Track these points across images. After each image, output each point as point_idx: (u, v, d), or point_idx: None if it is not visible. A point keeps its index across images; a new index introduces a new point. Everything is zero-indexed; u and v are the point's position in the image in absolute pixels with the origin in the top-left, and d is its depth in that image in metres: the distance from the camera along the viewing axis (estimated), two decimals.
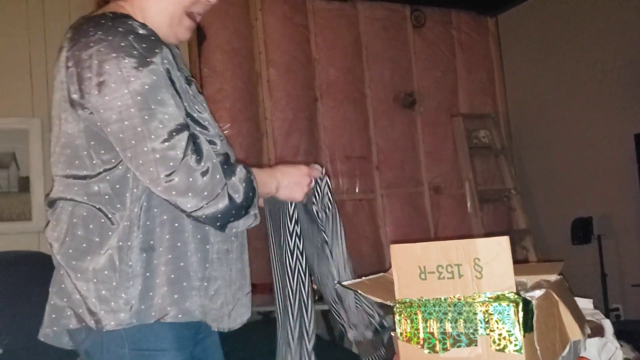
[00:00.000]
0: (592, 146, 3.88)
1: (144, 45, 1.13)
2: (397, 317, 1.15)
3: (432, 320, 1.12)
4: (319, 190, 1.41)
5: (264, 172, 1.31)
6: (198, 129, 1.22)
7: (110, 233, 1.16)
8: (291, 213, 1.40)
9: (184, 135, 1.11)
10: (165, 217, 1.17)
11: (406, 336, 1.14)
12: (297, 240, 1.40)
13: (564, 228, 3.82)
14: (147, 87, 1.10)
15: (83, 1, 3.15)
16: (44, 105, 3.01)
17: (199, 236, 1.21)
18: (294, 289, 1.39)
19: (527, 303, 1.07)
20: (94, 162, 1.18)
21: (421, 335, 1.13)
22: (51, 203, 1.26)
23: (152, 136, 1.09)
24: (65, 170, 1.21)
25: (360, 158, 3.91)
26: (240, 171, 1.19)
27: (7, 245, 2.78)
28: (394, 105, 4.09)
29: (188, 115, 1.20)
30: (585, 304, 1.72)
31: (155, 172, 1.09)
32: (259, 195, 1.24)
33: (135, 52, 1.11)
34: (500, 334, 1.07)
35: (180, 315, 1.17)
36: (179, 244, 1.18)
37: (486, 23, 4.52)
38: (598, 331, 1.80)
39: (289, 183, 1.34)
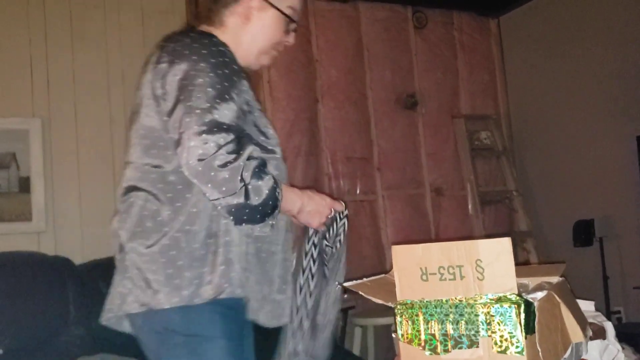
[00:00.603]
0: (594, 148, 3.87)
1: (221, 59, 1.28)
2: (398, 319, 1.14)
3: (433, 322, 1.12)
4: (335, 226, 1.47)
5: (293, 191, 1.37)
6: (262, 138, 1.37)
7: (180, 218, 1.28)
8: (309, 235, 1.46)
9: (227, 135, 1.20)
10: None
11: (407, 337, 1.13)
12: (310, 261, 1.47)
13: (565, 230, 3.81)
14: (217, 87, 1.24)
15: (84, 1, 3.17)
16: (45, 105, 3.01)
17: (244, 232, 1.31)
18: (299, 304, 1.45)
19: (528, 305, 1.07)
20: (169, 153, 1.29)
21: (422, 337, 1.12)
22: (125, 192, 1.36)
23: (195, 126, 1.20)
24: (143, 158, 1.33)
25: (362, 159, 3.90)
26: (269, 180, 1.25)
27: (7, 246, 2.78)
28: (396, 107, 4.09)
29: (258, 131, 1.36)
30: (587, 306, 1.71)
31: (187, 157, 1.19)
32: (281, 210, 1.31)
33: (213, 60, 1.27)
34: (501, 336, 1.06)
35: (239, 291, 1.29)
36: (233, 233, 1.30)
37: (488, 24, 4.51)
38: (600, 333, 1.79)
39: (311, 209, 1.39)
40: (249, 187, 1.21)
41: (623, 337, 1.95)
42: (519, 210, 4.25)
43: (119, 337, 2.45)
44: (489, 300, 1.08)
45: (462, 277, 1.11)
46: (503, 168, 4.35)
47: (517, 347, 1.05)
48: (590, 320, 1.53)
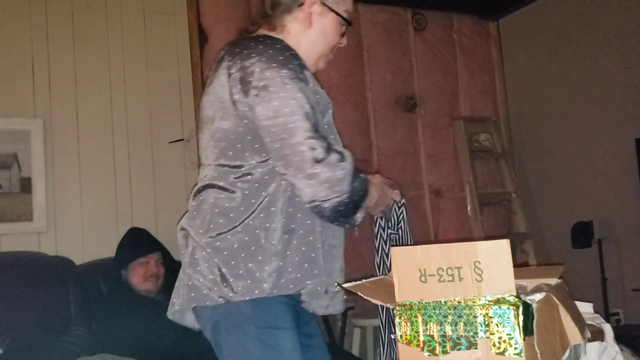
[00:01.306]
0: (593, 150, 3.87)
1: (296, 62, 1.37)
2: (397, 320, 1.15)
3: (432, 323, 1.12)
4: (395, 215, 1.61)
5: (373, 185, 1.47)
6: (331, 136, 1.45)
7: (257, 215, 1.35)
8: (375, 220, 1.62)
9: (324, 140, 1.32)
10: (306, 206, 1.36)
11: (406, 339, 1.14)
12: (382, 242, 1.63)
13: (564, 232, 3.81)
14: (299, 94, 1.32)
15: (87, 1, 3.18)
16: (46, 106, 3.02)
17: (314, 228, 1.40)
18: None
19: (527, 306, 1.08)
20: (246, 154, 1.37)
21: (421, 338, 1.13)
22: (198, 191, 1.44)
23: (301, 132, 1.30)
24: (219, 159, 1.40)
25: (361, 161, 3.91)
26: (364, 180, 1.38)
27: (8, 246, 2.79)
28: (395, 109, 4.10)
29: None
30: (585, 308, 1.72)
31: (301, 161, 1.29)
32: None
33: (290, 66, 1.34)
34: (500, 337, 1.07)
35: (307, 282, 1.37)
36: (318, 229, 1.39)
37: (487, 27, 4.52)
38: (598, 335, 1.80)
39: (377, 200, 1.48)
40: (355, 186, 1.34)
41: (622, 339, 1.96)
42: (517, 212, 4.25)
43: (119, 337, 2.47)
44: (487, 302, 1.09)
45: (460, 279, 1.12)
46: (502, 170, 4.36)
47: (515, 348, 1.06)
48: (588, 322, 1.54)
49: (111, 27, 3.21)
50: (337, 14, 1.51)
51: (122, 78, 3.22)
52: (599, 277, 3.64)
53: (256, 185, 1.36)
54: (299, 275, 1.37)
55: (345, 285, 1.31)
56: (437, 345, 1.12)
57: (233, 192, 1.37)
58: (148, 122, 3.26)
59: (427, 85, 4.21)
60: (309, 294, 1.41)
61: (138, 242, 2.76)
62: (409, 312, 1.15)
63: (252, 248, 1.34)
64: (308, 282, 1.38)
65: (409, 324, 1.14)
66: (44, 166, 2.94)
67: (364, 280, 1.37)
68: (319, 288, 1.40)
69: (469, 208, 4.17)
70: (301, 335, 1.42)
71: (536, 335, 1.08)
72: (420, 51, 4.23)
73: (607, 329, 1.87)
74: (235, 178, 1.37)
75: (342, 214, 1.34)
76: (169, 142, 3.29)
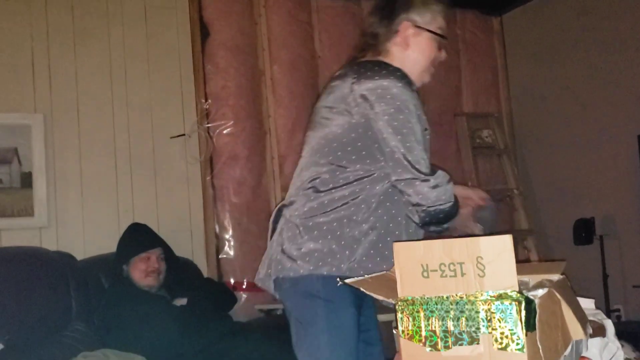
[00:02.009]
0: (596, 146, 3.86)
1: (411, 87, 1.60)
2: (399, 315, 1.15)
3: (434, 318, 1.12)
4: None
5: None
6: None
7: (347, 207, 1.56)
8: None
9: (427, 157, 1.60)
10: (393, 212, 1.59)
11: (408, 334, 1.14)
12: None
13: (566, 228, 3.81)
14: (414, 118, 1.57)
15: None
16: (47, 101, 3.01)
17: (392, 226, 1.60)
18: None
19: (529, 302, 1.07)
20: (353, 157, 1.58)
21: (423, 333, 1.12)
22: (306, 182, 1.64)
23: (418, 148, 1.56)
24: (328, 158, 1.61)
25: None
26: (456, 199, 1.60)
27: (8, 241, 2.79)
28: None
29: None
30: (587, 304, 1.72)
31: (418, 170, 1.54)
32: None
33: (408, 91, 1.57)
34: (502, 333, 1.06)
35: (370, 266, 1.53)
36: (397, 233, 1.59)
37: (491, 22, 4.50)
38: (599, 331, 1.80)
39: (464, 222, 1.67)
40: (454, 201, 1.57)
41: (622, 335, 1.95)
42: (519, 209, 4.24)
43: (121, 333, 2.47)
44: (489, 297, 1.08)
45: (463, 274, 1.11)
46: (504, 166, 4.35)
47: (517, 344, 1.05)
48: (590, 318, 1.54)
49: (112, 21, 3.21)
50: (430, 31, 1.70)
51: (122, 73, 3.22)
52: (600, 273, 3.63)
53: (354, 183, 1.57)
54: (370, 265, 1.54)
55: (347, 281, 1.31)
56: (439, 340, 1.11)
57: (333, 186, 1.58)
58: (149, 117, 3.26)
59: (430, 81, 4.19)
60: None
61: (139, 237, 2.76)
62: (411, 307, 1.14)
63: (338, 233, 1.54)
64: (370, 265, 1.54)
65: (410, 319, 1.14)
66: (44, 161, 2.94)
67: (366, 276, 1.36)
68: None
69: None
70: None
71: (538, 330, 1.07)
72: None
73: (609, 325, 1.87)
74: (338, 176, 1.59)
75: (439, 220, 1.57)
76: (171, 138, 3.29)
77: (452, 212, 1.59)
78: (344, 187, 1.58)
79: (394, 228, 1.59)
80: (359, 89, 1.57)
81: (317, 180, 1.61)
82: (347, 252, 1.55)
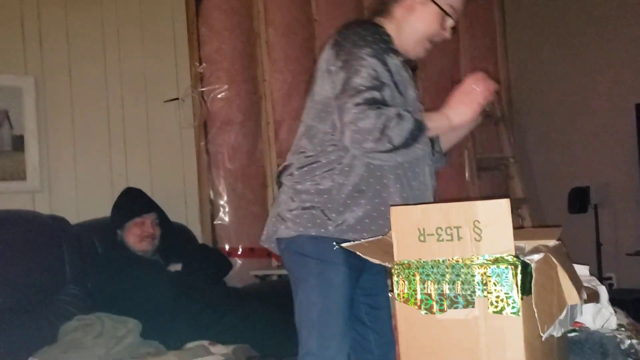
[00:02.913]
0: (593, 115, 3.85)
1: (384, 45, 1.56)
2: (395, 279, 1.15)
3: (429, 282, 1.12)
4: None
5: (434, 113, 1.63)
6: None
7: (334, 171, 1.57)
8: None
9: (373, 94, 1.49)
10: (378, 173, 1.56)
11: (403, 297, 1.14)
12: None
13: (561, 197, 3.82)
14: (371, 71, 1.51)
15: None
16: (37, 62, 2.96)
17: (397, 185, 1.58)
18: None
19: (525, 266, 1.07)
20: (333, 117, 1.56)
21: (418, 297, 1.12)
22: (296, 144, 1.68)
23: (352, 92, 1.49)
24: (313, 120, 1.63)
25: None
26: (408, 119, 1.50)
27: (1, 205, 2.77)
28: None
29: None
30: (581, 271, 1.72)
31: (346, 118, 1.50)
32: (433, 130, 1.57)
33: (375, 46, 1.54)
34: (497, 296, 1.06)
35: (365, 234, 1.52)
36: (383, 195, 1.56)
37: None
38: (593, 297, 1.81)
39: (459, 109, 1.61)
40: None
41: (614, 302, 1.97)
42: (515, 177, 4.24)
43: (115, 297, 2.47)
44: (485, 261, 1.08)
45: (459, 238, 1.11)
46: (500, 135, 4.33)
47: (513, 307, 1.05)
48: (584, 284, 1.54)
49: None
50: (438, 5, 1.67)
51: (115, 35, 3.16)
52: (594, 242, 3.66)
53: (339, 144, 1.56)
54: (358, 227, 1.54)
55: (344, 245, 1.31)
56: (434, 303, 1.11)
57: (319, 150, 1.59)
58: (142, 80, 3.21)
59: (425, 55, 4.14)
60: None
61: (134, 202, 2.75)
62: (407, 270, 1.14)
63: (325, 197, 1.56)
64: (365, 234, 1.53)
65: (406, 282, 1.14)
66: (36, 124, 2.89)
67: (362, 240, 1.36)
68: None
69: (466, 173, 4.16)
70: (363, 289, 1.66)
71: (534, 294, 1.07)
72: None
73: (602, 291, 1.88)
74: (322, 137, 1.60)
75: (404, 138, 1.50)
76: (164, 102, 3.25)
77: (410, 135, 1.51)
78: (331, 151, 1.59)
79: (381, 190, 1.58)
80: (332, 47, 1.59)
81: (306, 144, 1.64)
82: (333, 214, 1.56)
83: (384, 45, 1.57)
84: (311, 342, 1.57)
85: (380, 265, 1.59)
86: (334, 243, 1.50)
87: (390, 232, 1.22)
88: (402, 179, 1.60)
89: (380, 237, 1.37)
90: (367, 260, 1.58)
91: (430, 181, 1.70)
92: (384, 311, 1.72)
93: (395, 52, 1.61)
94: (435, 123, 1.58)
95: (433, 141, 1.77)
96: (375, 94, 1.50)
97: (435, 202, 1.68)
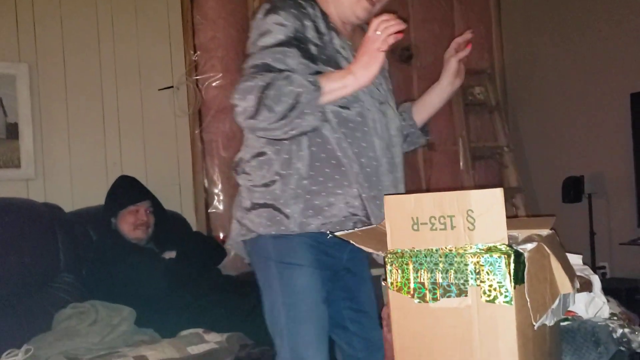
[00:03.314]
0: (588, 104, 3.85)
1: (295, 10, 1.44)
2: (388, 267, 1.15)
3: (423, 271, 1.12)
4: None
5: (337, 71, 1.43)
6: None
7: (277, 162, 1.45)
8: None
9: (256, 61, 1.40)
10: (323, 155, 1.44)
11: (397, 286, 1.14)
12: None
13: (555, 186, 3.83)
14: (271, 27, 1.42)
15: None
16: (32, 50, 2.94)
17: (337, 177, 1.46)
18: None
19: (518, 255, 1.07)
20: None
21: (412, 285, 1.13)
22: (244, 138, 1.58)
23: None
24: None
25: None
26: (293, 81, 1.33)
27: None
28: (391, 59, 4.00)
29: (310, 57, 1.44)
30: (574, 260, 1.73)
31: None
32: (332, 91, 1.37)
33: (283, 12, 1.43)
34: (490, 285, 1.07)
35: (323, 227, 1.44)
36: (336, 177, 1.45)
37: None
38: (586, 286, 1.82)
39: (362, 61, 1.37)
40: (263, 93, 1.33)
41: (607, 292, 1.98)
42: (509, 166, 4.25)
43: (109, 285, 2.47)
44: (479, 250, 1.08)
45: (453, 227, 1.11)
46: (495, 123, 4.33)
47: (505, 296, 1.06)
48: (577, 273, 1.55)
49: None
50: None
51: (110, 23, 3.14)
52: (587, 231, 3.67)
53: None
54: (319, 217, 1.44)
55: (337, 233, 1.31)
56: (427, 292, 1.11)
57: (266, 140, 1.47)
58: (137, 68, 3.20)
59: (424, 35, 4.13)
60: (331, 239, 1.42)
61: (128, 190, 2.74)
62: (400, 259, 1.14)
63: (276, 191, 1.44)
64: (328, 221, 1.45)
65: (400, 271, 1.14)
66: (30, 112, 2.88)
67: (355, 229, 1.36)
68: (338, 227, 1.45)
69: (461, 162, 4.16)
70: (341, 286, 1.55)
71: (527, 284, 1.08)
72: (417, 0, 4.13)
73: (595, 280, 1.89)
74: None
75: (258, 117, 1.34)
76: (159, 90, 3.24)
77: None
78: (269, 140, 1.46)
79: (332, 173, 1.45)
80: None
81: (248, 134, 1.54)
82: (287, 209, 1.44)
83: (295, 10, 1.44)
84: (284, 353, 1.46)
85: (361, 264, 1.54)
86: (328, 232, 1.43)
87: (383, 220, 1.22)
88: (350, 157, 1.46)
89: (374, 225, 1.37)
90: (343, 257, 1.52)
91: (384, 157, 1.52)
92: (368, 314, 1.61)
93: (311, 18, 1.47)
94: (335, 83, 1.37)
95: (403, 114, 1.73)
96: (258, 61, 1.39)
97: (403, 182, 1.60)
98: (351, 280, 1.57)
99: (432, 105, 1.79)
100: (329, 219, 1.45)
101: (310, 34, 1.45)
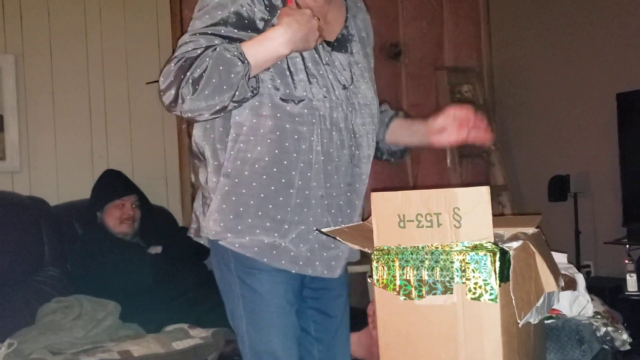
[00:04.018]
0: (574, 104, 3.88)
1: None
2: (374, 264, 1.15)
3: (408, 268, 1.12)
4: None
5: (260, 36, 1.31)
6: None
7: (208, 164, 1.40)
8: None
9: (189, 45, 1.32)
10: (276, 151, 1.33)
11: (382, 283, 1.14)
12: None
13: (541, 185, 3.85)
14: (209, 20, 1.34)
15: None
16: (17, 41, 2.91)
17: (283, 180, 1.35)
18: None
19: (504, 253, 1.08)
20: None
21: (397, 283, 1.13)
22: None
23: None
24: None
25: None
26: (209, 54, 1.27)
27: None
28: (379, 56, 4.02)
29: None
30: (560, 259, 1.74)
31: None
32: (258, 61, 1.27)
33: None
34: (476, 283, 1.07)
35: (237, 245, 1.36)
36: (254, 184, 1.34)
37: None
38: (571, 285, 1.83)
39: (301, 34, 1.28)
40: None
41: (592, 290, 2.00)
42: (496, 164, 4.27)
43: (94, 279, 2.46)
44: (464, 248, 1.08)
45: (439, 225, 1.11)
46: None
47: (490, 294, 1.06)
48: (562, 271, 1.56)
49: None
50: None
51: (97, 14, 3.11)
52: (572, 230, 3.70)
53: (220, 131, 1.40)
54: (268, 227, 1.35)
55: (324, 230, 1.30)
56: (413, 289, 1.12)
57: (208, 138, 1.42)
58: (124, 61, 3.17)
59: (412, 32, 4.13)
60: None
61: (114, 184, 2.73)
62: (386, 256, 1.14)
63: (233, 198, 1.34)
64: (268, 224, 1.35)
65: (385, 268, 1.14)
66: (16, 104, 2.85)
67: (342, 226, 1.36)
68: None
69: (448, 159, 4.17)
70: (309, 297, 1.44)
71: (512, 281, 1.08)
72: None
73: (580, 279, 1.91)
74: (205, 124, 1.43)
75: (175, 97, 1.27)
76: (146, 83, 3.21)
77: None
78: (214, 137, 1.39)
79: (258, 188, 1.33)
80: None
81: (197, 130, 1.47)
82: (216, 215, 1.35)
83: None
84: None
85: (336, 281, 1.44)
86: (317, 230, 1.36)
87: (369, 217, 1.22)
88: (285, 151, 1.33)
89: (361, 222, 1.37)
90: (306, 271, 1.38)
91: (340, 154, 1.41)
92: (335, 320, 1.48)
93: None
94: (258, 47, 1.26)
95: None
96: (187, 39, 1.33)
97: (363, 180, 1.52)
98: (320, 280, 1.43)
99: (408, 138, 1.74)
100: (273, 222, 1.35)
101: (258, 7, 1.33)
